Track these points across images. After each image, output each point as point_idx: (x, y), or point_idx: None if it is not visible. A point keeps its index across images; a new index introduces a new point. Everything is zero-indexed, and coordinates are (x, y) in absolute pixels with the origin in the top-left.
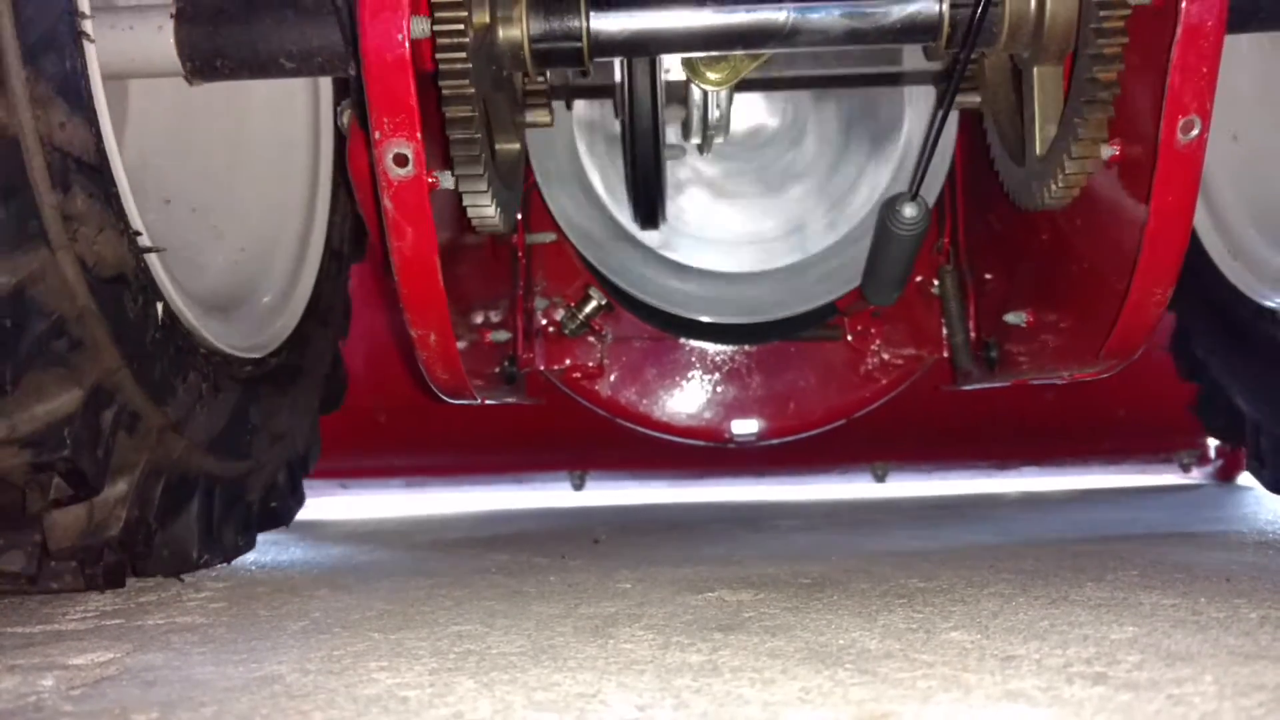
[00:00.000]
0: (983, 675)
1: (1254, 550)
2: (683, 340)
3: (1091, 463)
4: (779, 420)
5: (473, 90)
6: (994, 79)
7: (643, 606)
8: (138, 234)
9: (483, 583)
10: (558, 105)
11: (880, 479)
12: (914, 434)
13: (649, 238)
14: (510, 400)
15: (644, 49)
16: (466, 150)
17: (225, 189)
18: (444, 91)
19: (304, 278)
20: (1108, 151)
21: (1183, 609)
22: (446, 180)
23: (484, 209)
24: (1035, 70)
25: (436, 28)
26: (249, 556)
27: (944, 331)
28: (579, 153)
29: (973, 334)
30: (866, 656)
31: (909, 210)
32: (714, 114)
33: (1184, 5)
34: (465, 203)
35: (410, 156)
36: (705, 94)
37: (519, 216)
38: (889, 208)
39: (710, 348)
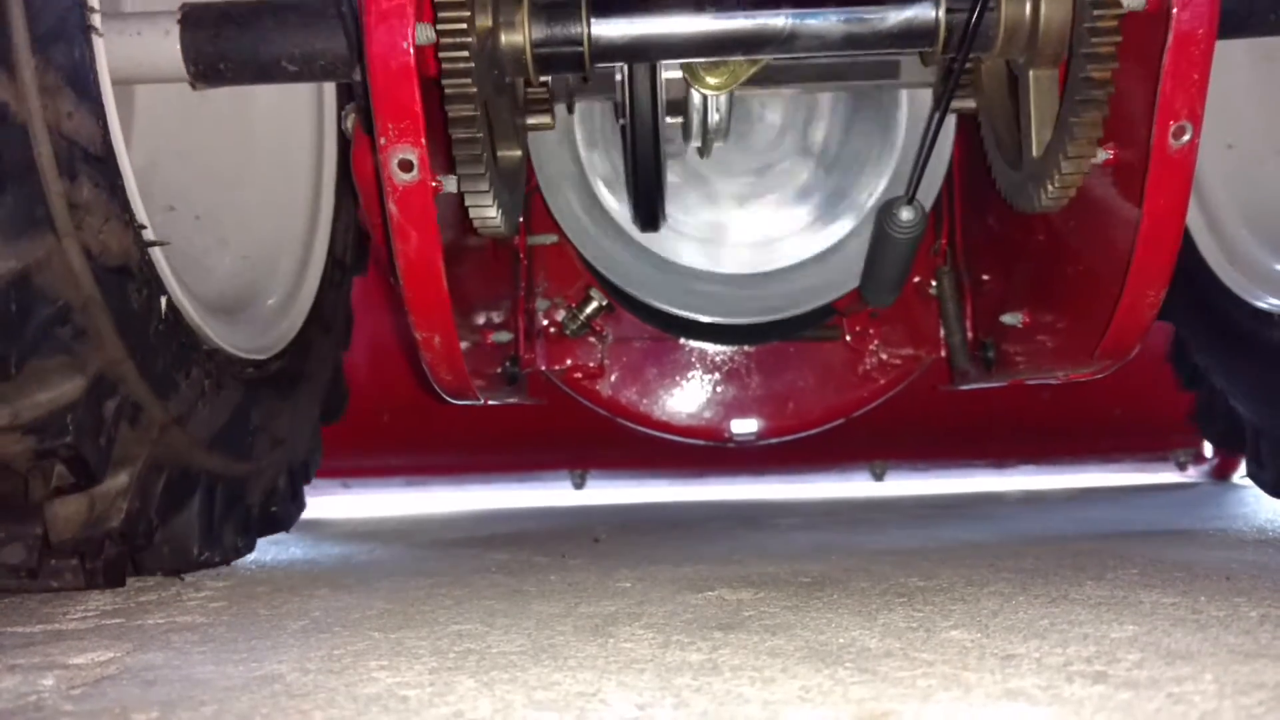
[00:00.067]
0: (983, 674)
1: (1254, 549)
2: (683, 340)
3: (1089, 462)
4: (778, 420)
5: (476, 94)
6: (990, 83)
7: (643, 605)
8: (142, 227)
9: (483, 582)
10: (559, 108)
11: (879, 478)
12: (912, 433)
13: (649, 239)
14: (512, 400)
15: (644, 54)
16: (469, 154)
17: (229, 197)
18: (447, 96)
19: (306, 285)
20: (1102, 155)
21: (1183, 607)
22: (450, 184)
23: (487, 212)
24: (1031, 74)
25: (440, 28)
26: (249, 556)
27: (941, 332)
28: (580, 155)
29: (970, 334)
30: (866, 655)
31: (905, 213)
32: (714, 118)
33: (1175, 12)
34: (468, 206)
35: (415, 162)
36: (705, 98)
37: (520, 219)
38: (886, 211)
39: (710, 348)
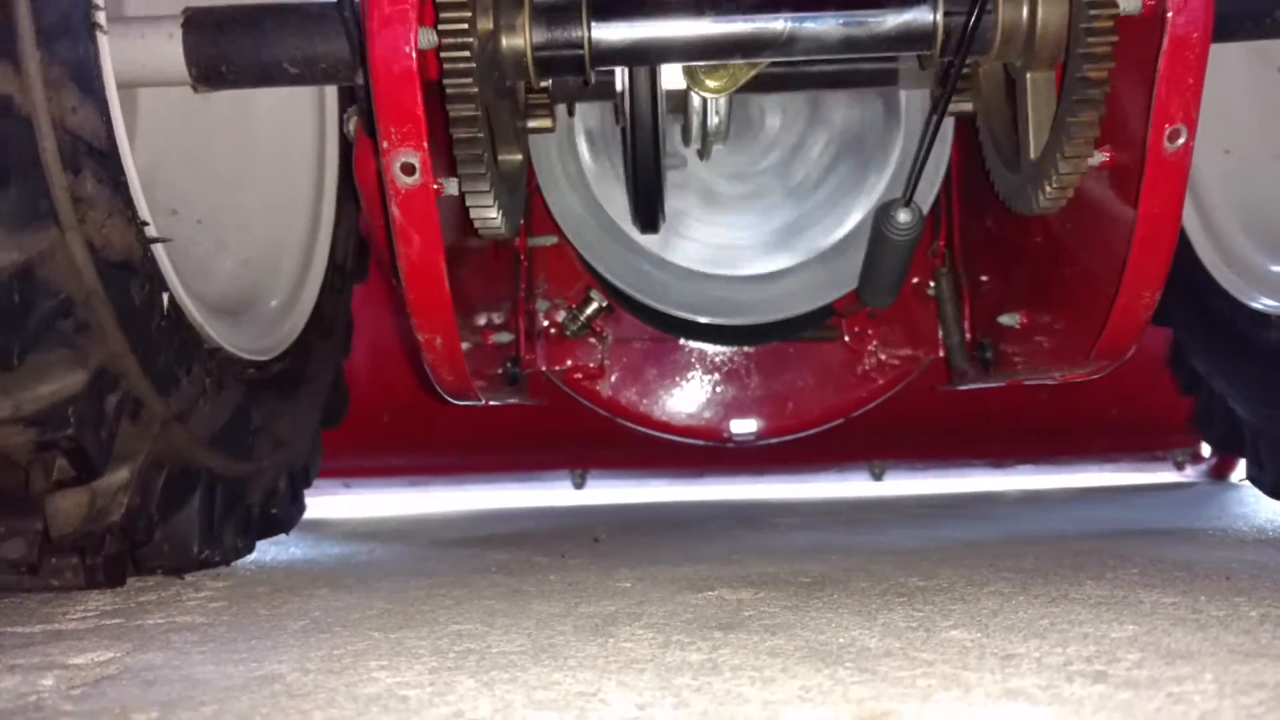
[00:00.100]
0: (983, 673)
1: (1254, 548)
2: (682, 341)
3: (1087, 461)
4: (777, 420)
5: (477, 98)
6: (987, 86)
7: (643, 605)
8: (145, 224)
9: (483, 582)
10: (559, 110)
11: (877, 478)
12: (911, 433)
13: (649, 241)
14: (513, 401)
15: (644, 58)
16: (471, 157)
17: (231, 202)
18: (449, 100)
19: (307, 289)
20: (1098, 158)
21: (1183, 607)
22: (451, 187)
23: (488, 214)
24: (1028, 76)
25: (442, 29)
26: (249, 556)
27: (940, 332)
28: (580, 157)
29: (968, 335)
30: (866, 655)
31: (903, 216)
32: (713, 120)
33: (1170, 16)
34: (469, 208)
35: (417, 165)
36: (704, 101)
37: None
38: (884, 213)
39: (709, 348)
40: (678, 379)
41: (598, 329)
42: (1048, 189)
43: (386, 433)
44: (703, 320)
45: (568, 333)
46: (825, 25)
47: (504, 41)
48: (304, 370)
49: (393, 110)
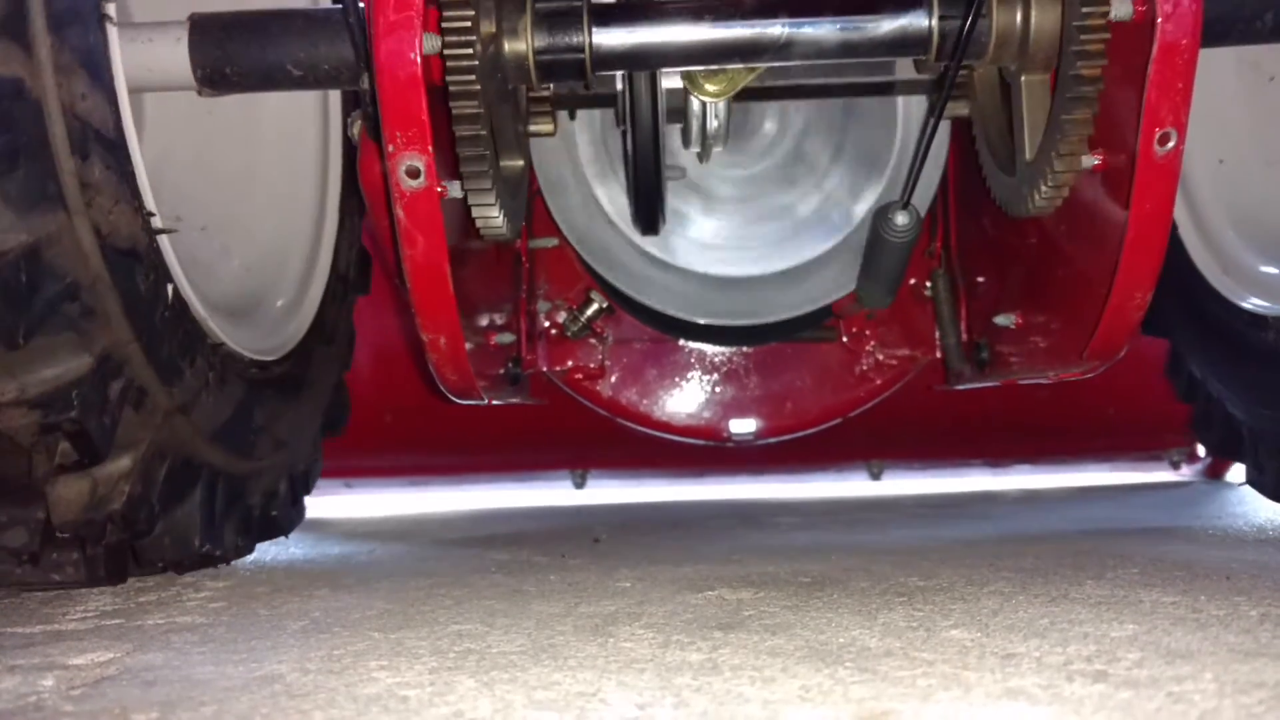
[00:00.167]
0: (983, 673)
1: (1254, 548)
2: (682, 342)
3: (1084, 460)
4: (776, 419)
5: (481, 103)
6: (982, 90)
7: (643, 605)
8: (151, 214)
9: (483, 582)
10: (561, 115)
11: (876, 477)
12: (909, 433)
13: (649, 242)
14: (514, 401)
15: (644, 63)
16: (474, 160)
17: (235, 210)
18: (453, 105)
19: (310, 296)
20: (1091, 161)
21: (1183, 607)
22: (455, 189)
23: (491, 217)
24: (1023, 79)
25: (446, 34)
26: (248, 556)
27: (936, 333)
28: (580, 160)
29: (964, 335)
30: (866, 655)
31: (900, 218)
32: (712, 124)
33: (1160, 23)
34: (473, 211)
35: (422, 169)
36: (704, 105)
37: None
38: (881, 215)
39: (709, 349)
40: (677, 379)
41: (598, 330)
42: (1043, 189)
43: (388, 433)
44: (702, 321)
45: (568, 333)
46: (822, 30)
47: (506, 46)
48: (305, 374)
49: (398, 115)
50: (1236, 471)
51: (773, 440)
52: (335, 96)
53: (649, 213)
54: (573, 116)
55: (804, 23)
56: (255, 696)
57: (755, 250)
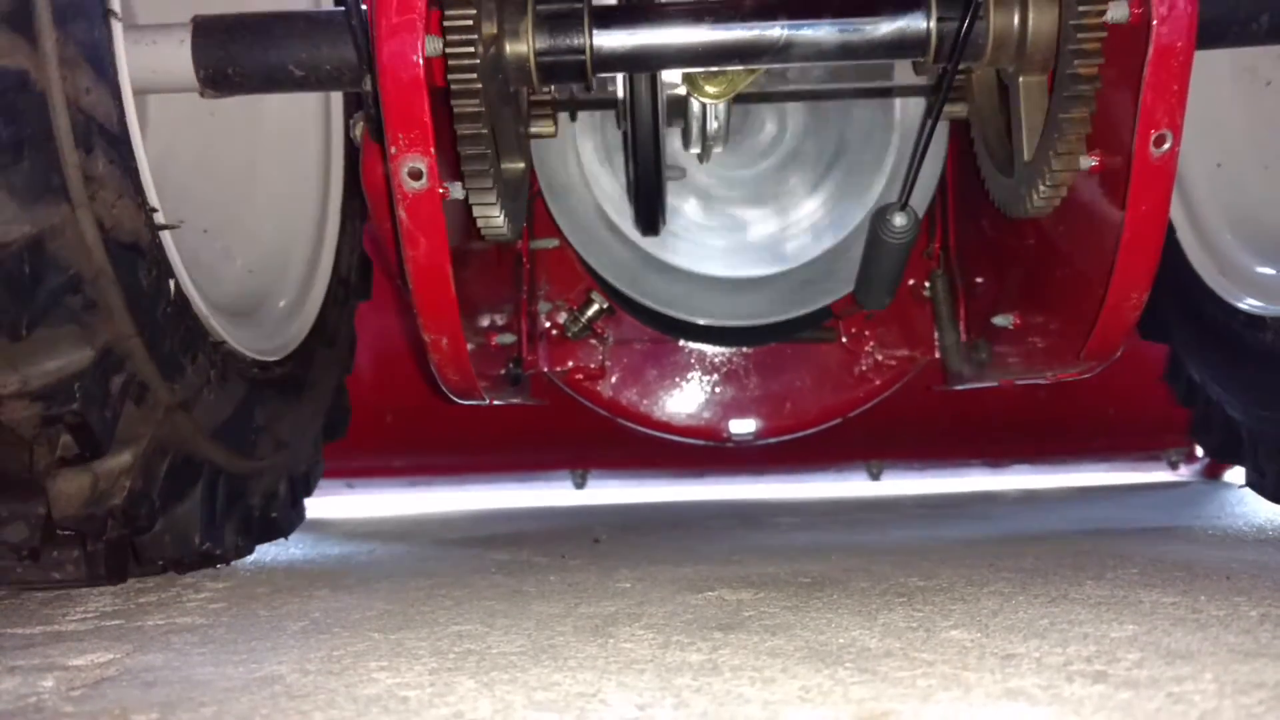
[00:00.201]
0: (983, 673)
1: (1253, 548)
2: (682, 342)
3: (1082, 460)
4: (776, 420)
5: (482, 101)
6: (980, 92)
7: (643, 606)
8: (154, 210)
9: (483, 582)
10: (561, 116)
11: (875, 477)
12: (908, 433)
13: (649, 243)
14: (515, 401)
15: (644, 64)
16: (476, 161)
17: (236, 214)
18: (454, 103)
19: (311, 300)
20: (1088, 162)
21: (1183, 607)
22: (456, 191)
23: (492, 217)
24: (1020, 80)
25: (448, 37)
26: (248, 557)
27: (935, 333)
28: (581, 162)
29: (963, 336)
30: (866, 655)
31: (899, 220)
32: (712, 125)
33: (1155, 26)
34: (474, 212)
35: (424, 170)
36: (704, 106)
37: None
38: (880, 217)
39: (709, 349)
40: (677, 380)
41: (598, 330)
42: (1041, 189)
43: (389, 433)
44: (701, 322)
45: (569, 334)
46: (821, 32)
47: (508, 47)
48: (306, 376)
49: (401, 117)
50: (1234, 471)
51: (772, 440)
52: (337, 102)
53: (649, 213)
54: (574, 118)
55: (803, 24)
56: (255, 697)
57: (754, 251)
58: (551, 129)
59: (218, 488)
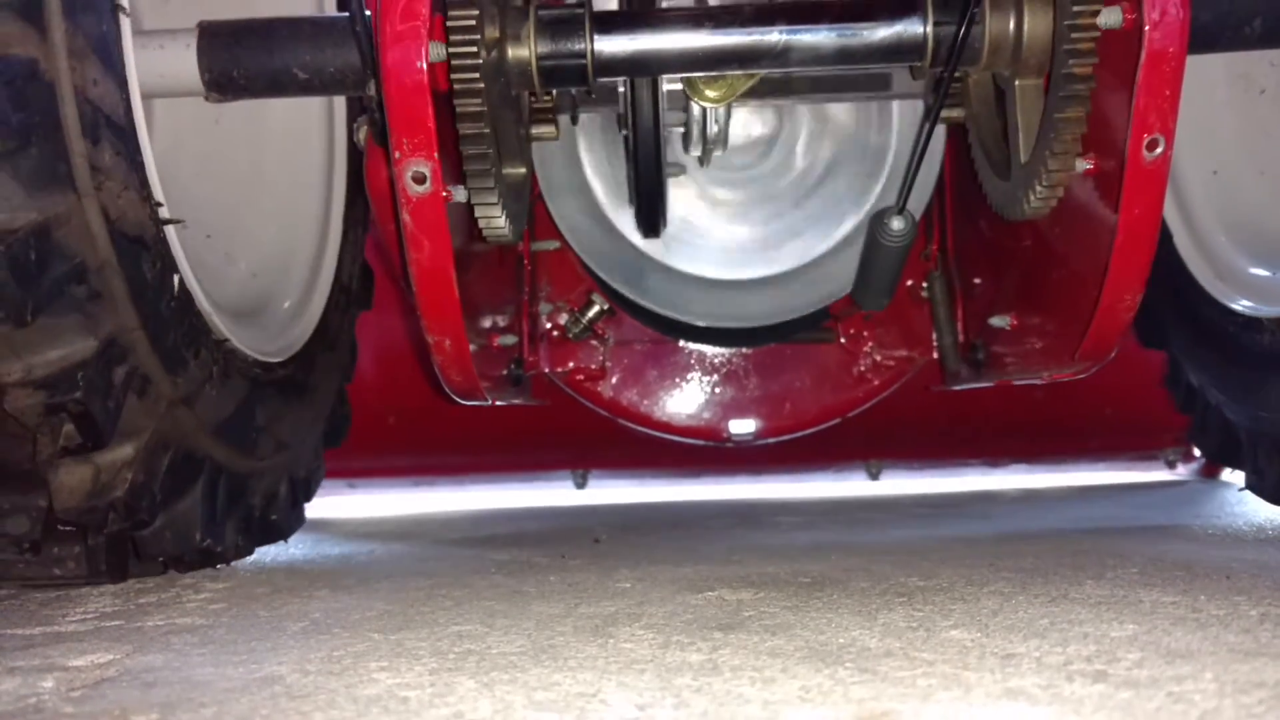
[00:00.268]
0: (983, 673)
1: (1253, 547)
2: (682, 343)
3: (1080, 460)
4: (775, 420)
5: (485, 110)
6: (977, 96)
7: (643, 606)
8: (159, 204)
9: (483, 583)
10: (562, 119)
11: (874, 477)
12: (907, 433)
13: (649, 245)
14: (516, 401)
15: (645, 69)
16: (478, 159)
17: (240, 218)
18: (457, 102)
19: (313, 304)
20: (1082, 165)
21: (1183, 606)
22: (459, 194)
23: (495, 221)
24: (1016, 83)
25: (452, 41)
26: (248, 557)
27: (933, 334)
28: (582, 164)
29: (961, 336)
30: (866, 655)
31: (896, 223)
32: (712, 128)
33: (1148, 31)
34: (476, 213)
35: (428, 174)
36: (704, 110)
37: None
38: (878, 220)
39: (709, 350)
40: (678, 380)
41: (599, 331)
42: (1037, 190)
43: (391, 434)
44: (701, 323)
45: (570, 335)
46: (819, 37)
47: (510, 52)
48: (308, 379)
49: (405, 122)
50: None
51: (772, 440)
52: (340, 110)
53: (650, 216)
54: (574, 120)
55: (801, 30)
56: (255, 698)
57: (754, 252)
58: (553, 132)
59: (219, 485)
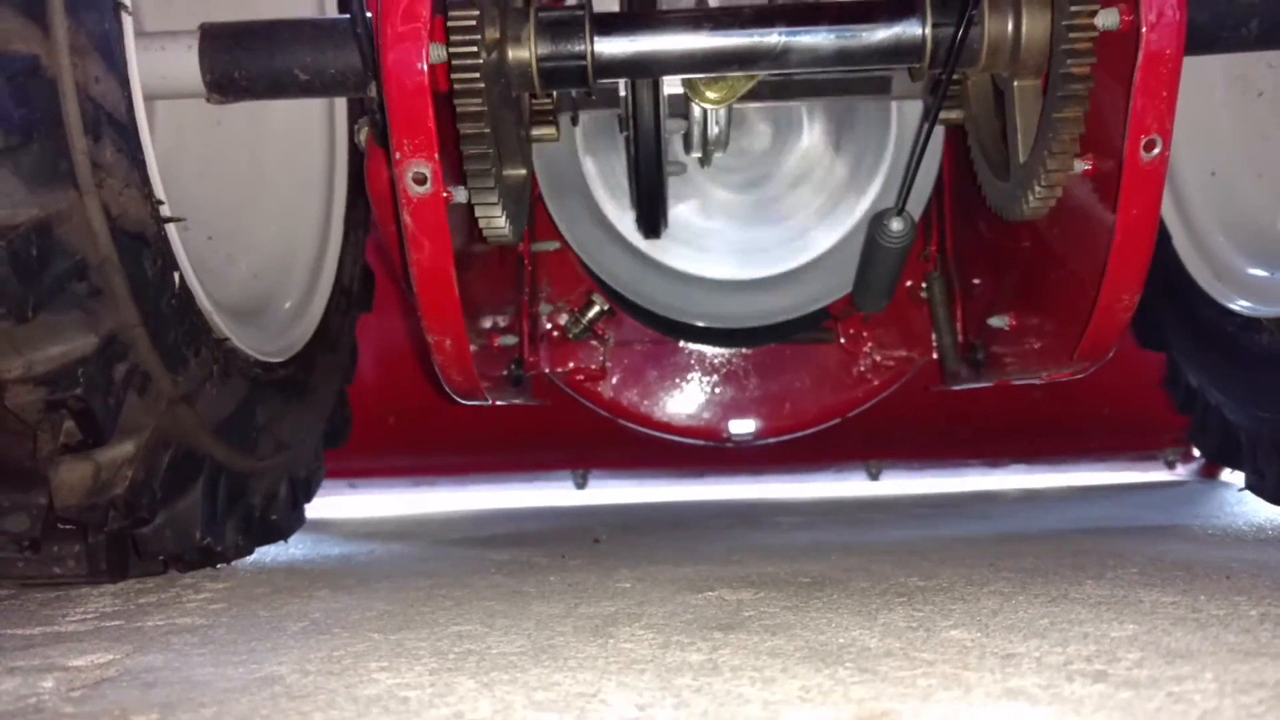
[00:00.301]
0: (983, 673)
1: (1253, 547)
2: (682, 343)
3: (1080, 460)
4: (775, 420)
5: (486, 112)
6: (975, 97)
7: (643, 606)
8: (160, 202)
9: (483, 583)
10: (563, 120)
11: (874, 477)
12: (906, 433)
13: (649, 245)
14: (517, 401)
15: (645, 70)
16: (478, 159)
17: (241, 219)
18: (457, 102)
19: (314, 304)
20: (1081, 166)
21: (1183, 606)
22: (460, 195)
23: (495, 222)
24: (1015, 85)
25: (451, 31)
26: (248, 557)
27: (933, 334)
28: (582, 165)
29: (960, 337)
30: (867, 655)
31: (895, 225)
32: (713, 130)
33: (1144, 33)
34: (477, 213)
35: (429, 175)
36: (705, 111)
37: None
38: (877, 222)
39: (709, 350)
40: (678, 380)
41: (599, 332)
42: (1036, 190)
43: (392, 434)
44: (701, 324)
45: (570, 335)
46: (818, 38)
47: (510, 53)
48: (308, 380)
49: (405, 123)
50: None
51: (772, 440)
52: (341, 112)
53: (652, 217)
54: (575, 121)
55: (800, 31)
56: (255, 698)
57: (753, 253)
58: (553, 133)
59: (219, 484)
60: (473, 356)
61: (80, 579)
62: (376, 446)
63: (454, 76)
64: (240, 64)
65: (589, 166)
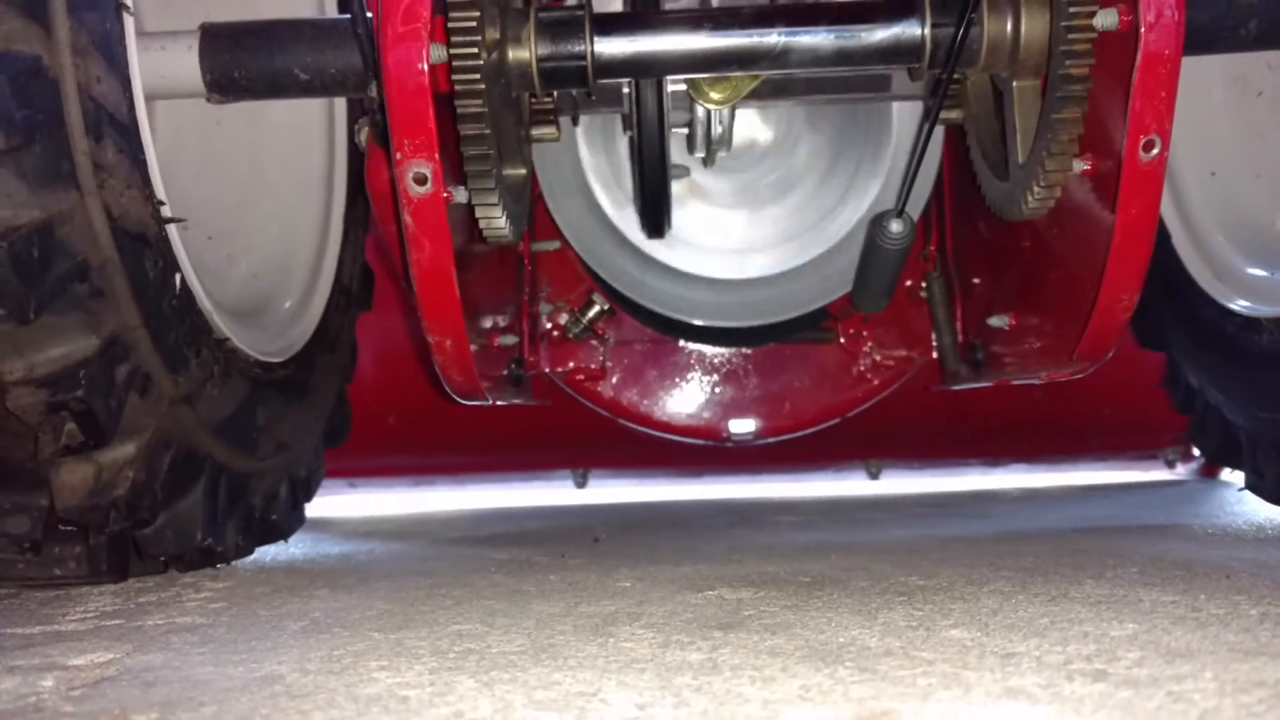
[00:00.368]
0: (983, 673)
1: (1253, 546)
2: (682, 343)
3: (1079, 459)
4: (775, 420)
5: (485, 102)
6: (975, 97)
7: (643, 605)
8: (161, 203)
9: (483, 582)
10: (563, 120)
11: (874, 476)
12: (906, 433)
13: (649, 245)
14: (517, 401)
15: (645, 70)
16: (478, 159)
17: (241, 219)
18: (457, 103)
19: (314, 304)
20: (1080, 166)
21: (1183, 606)
22: (460, 195)
23: (495, 222)
24: (1014, 85)
25: (451, 32)
26: (248, 557)
27: (932, 334)
28: (583, 165)
29: (960, 336)
30: (866, 654)
31: (895, 226)
32: (716, 130)
33: (1143, 33)
34: (477, 213)
35: (429, 175)
36: (708, 111)
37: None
38: (877, 223)
39: (708, 350)
40: (678, 380)
41: (599, 331)
42: (1035, 190)
43: (391, 434)
44: (700, 323)
45: (570, 335)
46: (818, 38)
47: (510, 53)
48: (308, 380)
49: (406, 124)
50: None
51: (772, 440)
52: (341, 112)
53: (655, 217)
54: (575, 121)
55: (800, 31)
56: (255, 697)
57: (754, 253)
58: (554, 133)
59: (220, 484)
60: (473, 356)
61: (81, 580)
62: (376, 446)
63: (454, 77)
64: (240, 64)
65: (589, 166)
